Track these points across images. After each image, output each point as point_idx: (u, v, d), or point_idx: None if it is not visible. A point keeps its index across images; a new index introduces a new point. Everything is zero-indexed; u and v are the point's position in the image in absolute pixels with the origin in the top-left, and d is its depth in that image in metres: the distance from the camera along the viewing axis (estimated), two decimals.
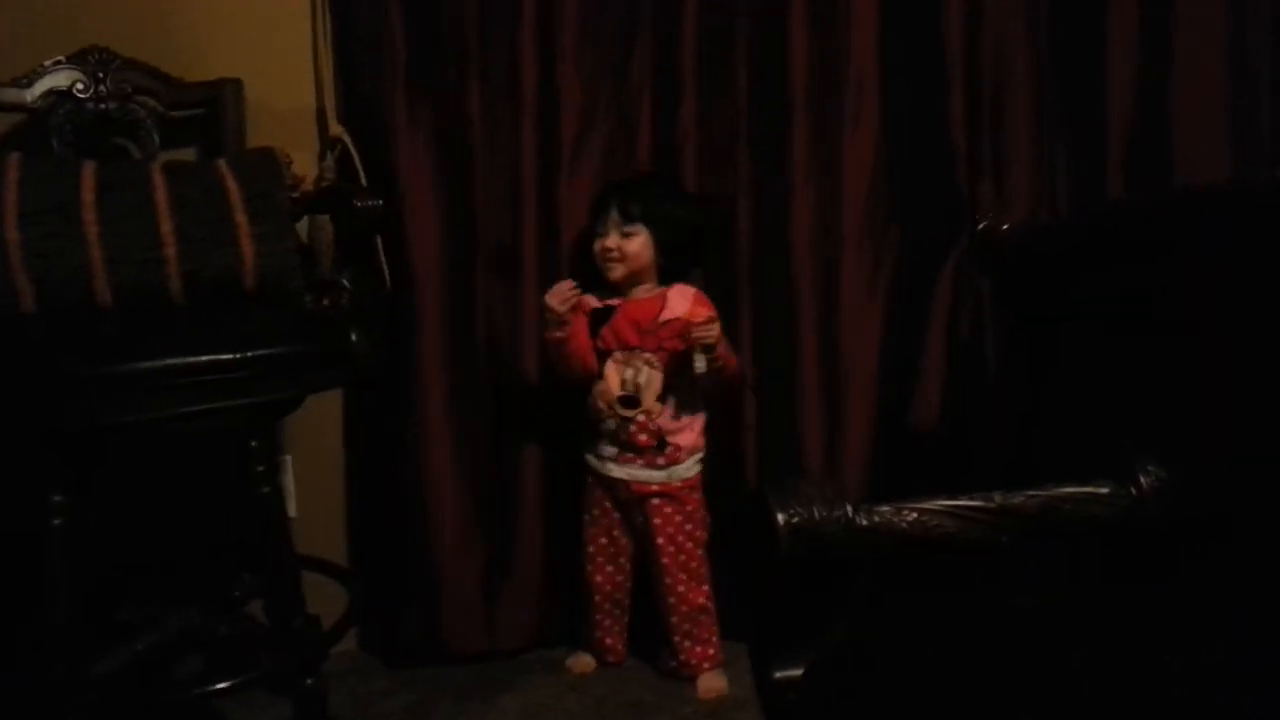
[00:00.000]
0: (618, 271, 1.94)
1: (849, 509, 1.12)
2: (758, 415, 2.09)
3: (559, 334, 1.91)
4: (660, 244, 1.94)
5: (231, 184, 1.70)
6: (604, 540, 2.01)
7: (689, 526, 1.97)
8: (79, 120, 1.81)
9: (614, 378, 1.94)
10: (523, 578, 2.09)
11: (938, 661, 1.09)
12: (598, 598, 2.02)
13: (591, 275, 1.97)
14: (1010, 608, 1.14)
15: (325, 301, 1.59)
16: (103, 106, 1.82)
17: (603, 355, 1.95)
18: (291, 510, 2.07)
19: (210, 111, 1.91)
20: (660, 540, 1.96)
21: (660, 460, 1.94)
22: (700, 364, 1.86)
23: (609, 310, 1.96)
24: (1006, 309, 1.74)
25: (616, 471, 1.96)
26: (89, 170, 1.63)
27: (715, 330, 1.86)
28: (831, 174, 2.06)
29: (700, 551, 1.98)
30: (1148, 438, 1.26)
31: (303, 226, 1.84)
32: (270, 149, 1.80)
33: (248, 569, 1.79)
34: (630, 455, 1.95)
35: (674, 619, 1.97)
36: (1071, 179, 2.13)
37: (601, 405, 1.94)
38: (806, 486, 1.13)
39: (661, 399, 1.93)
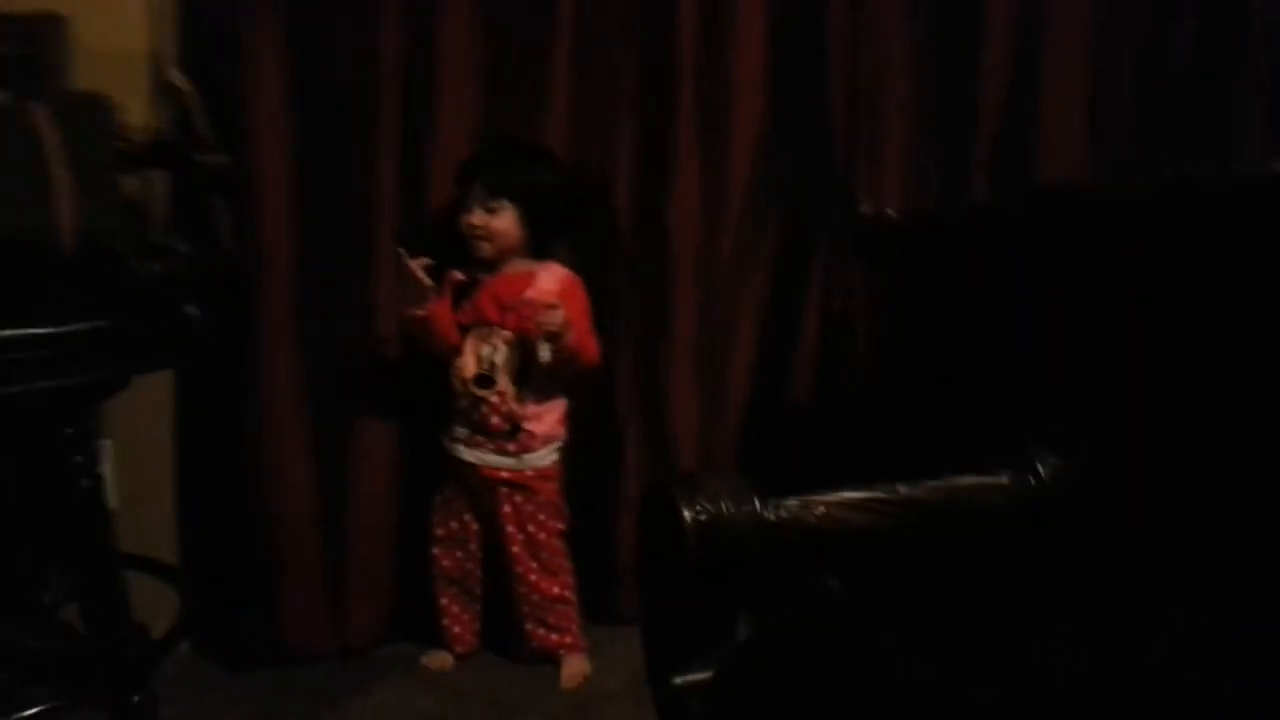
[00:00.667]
0: (485, 250, 1.85)
1: (757, 503, 1.05)
2: (635, 399, 2.01)
3: (419, 311, 1.81)
4: (528, 219, 1.84)
5: (48, 131, 1.47)
6: (454, 524, 1.92)
7: (541, 516, 1.90)
8: None
9: (471, 355, 1.84)
10: (373, 570, 1.96)
11: (853, 662, 1.03)
12: (443, 581, 1.92)
13: (460, 247, 1.85)
14: (926, 603, 1.09)
15: (156, 268, 1.40)
16: None
17: (464, 331, 1.86)
18: (113, 501, 1.86)
19: (26, 51, 1.66)
20: (510, 529, 1.89)
21: (511, 446, 1.86)
22: (544, 352, 1.79)
23: (475, 283, 1.87)
24: (887, 298, 1.72)
25: (467, 455, 1.87)
26: None
27: (558, 318, 1.77)
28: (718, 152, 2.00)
29: (555, 542, 1.91)
30: (1042, 430, 1.25)
31: (135, 188, 1.63)
32: (96, 94, 1.57)
33: (58, 569, 1.57)
34: (481, 439, 1.86)
35: (525, 608, 1.90)
36: (942, 169, 2.13)
37: (455, 380, 1.85)
38: (712, 479, 1.06)
39: (520, 382, 1.84)
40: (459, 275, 1.84)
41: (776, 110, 2.03)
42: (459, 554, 1.91)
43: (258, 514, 1.86)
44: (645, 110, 1.96)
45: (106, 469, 1.86)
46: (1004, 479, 1.16)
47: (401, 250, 1.79)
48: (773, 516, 1.06)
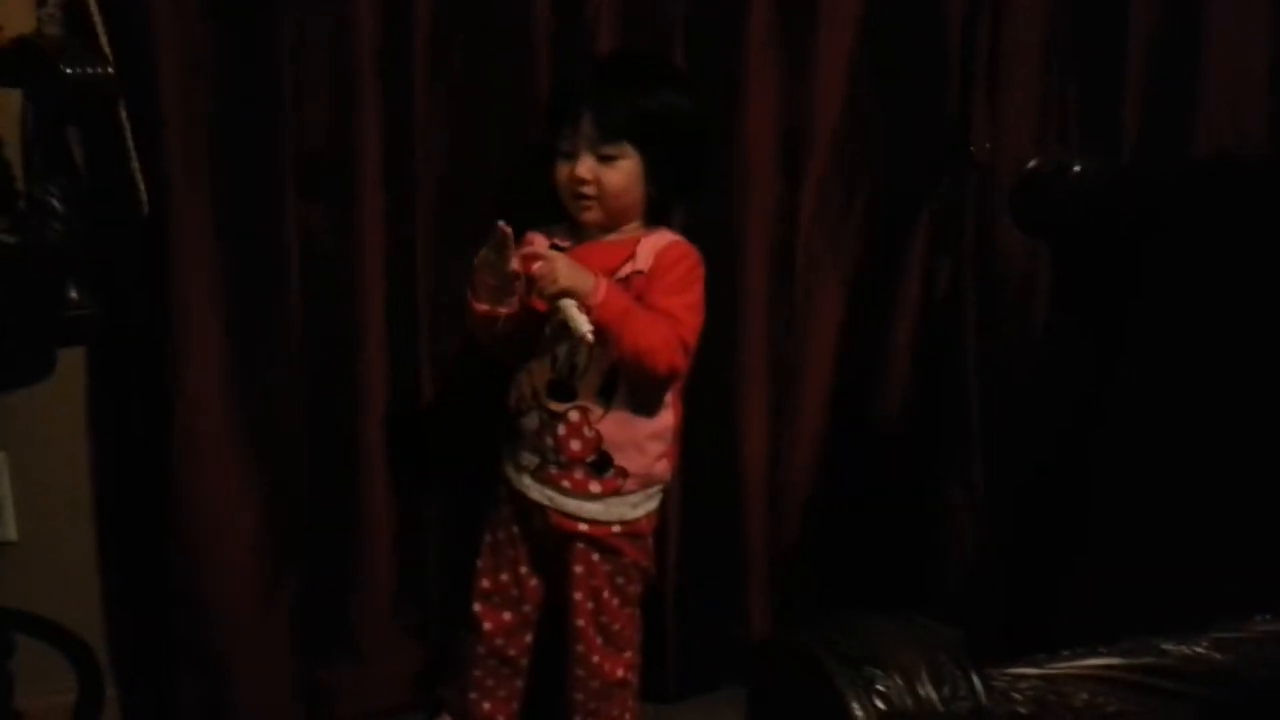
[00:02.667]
0: (593, 213, 1.35)
1: (976, 682, 0.60)
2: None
3: (500, 308, 1.30)
4: (653, 169, 1.34)
5: None
6: (505, 576, 1.43)
7: (620, 580, 1.41)
8: None
9: (544, 356, 1.36)
10: (362, 625, 1.55)
11: None
12: (482, 649, 1.44)
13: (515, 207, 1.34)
14: None
15: (11, 239, 0.95)
16: None
17: (535, 321, 1.35)
18: (9, 534, 1.45)
19: None
20: (578, 595, 1.40)
21: (595, 485, 1.37)
22: (582, 324, 1.23)
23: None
24: (1061, 278, 1.25)
25: (534, 492, 1.39)
26: None
27: (548, 272, 1.25)
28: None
29: (629, 610, 1.43)
30: None
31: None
32: None
33: None
34: (555, 471, 1.37)
35: (579, 696, 1.42)
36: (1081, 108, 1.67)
37: (524, 391, 1.38)
38: (896, 636, 0.61)
39: (607, 395, 1.35)
40: (543, 241, 1.34)
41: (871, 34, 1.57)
42: (507, 616, 1.45)
43: (188, 554, 1.42)
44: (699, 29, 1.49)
45: (2, 488, 1.45)
46: None
47: (502, 224, 1.25)
48: (999, 703, 0.61)
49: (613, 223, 1.37)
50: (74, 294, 1.04)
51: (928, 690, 0.58)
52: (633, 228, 1.38)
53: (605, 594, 1.40)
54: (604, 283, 1.29)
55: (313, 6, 1.35)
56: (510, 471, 1.41)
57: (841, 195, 1.62)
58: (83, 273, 1.05)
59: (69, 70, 0.95)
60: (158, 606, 1.47)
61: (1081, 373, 1.15)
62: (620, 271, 1.34)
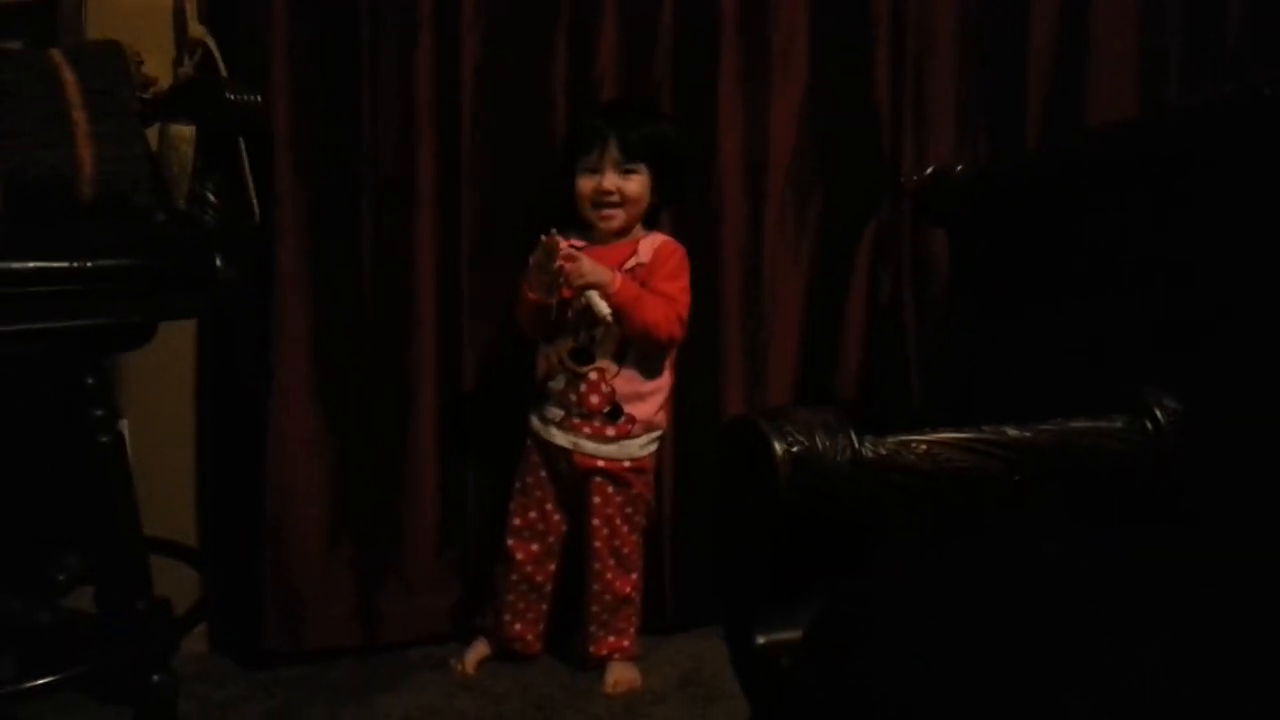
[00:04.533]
0: (616, 220, 1.71)
1: (854, 437, 0.95)
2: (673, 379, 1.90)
3: (549, 298, 1.65)
4: (657, 182, 1.72)
5: (68, 75, 1.40)
6: (533, 514, 1.76)
7: (629, 509, 1.75)
8: None
9: (567, 331, 1.71)
10: (411, 562, 1.84)
11: (963, 618, 0.92)
12: (515, 576, 1.76)
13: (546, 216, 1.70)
14: (1035, 557, 0.99)
15: (186, 213, 1.31)
16: None
17: (562, 305, 1.70)
18: None
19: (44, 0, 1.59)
20: (596, 522, 1.73)
21: (610, 430, 1.71)
22: (601, 305, 1.62)
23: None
24: (957, 259, 1.62)
25: (560, 438, 1.72)
26: None
27: (576, 268, 1.63)
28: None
29: (635, 537, 1.77)
30: (1150, 373, 1.15)
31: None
32: (116, 41, 1.50)
33: (72, 547, 1.47)
34: (578, 420, 1.71)
35: (594, 608, 1.75)
36: (990, 136, 2.04)
37: (552, 360, 1.72)
38: (802, 411, 0.96)
39: (619, 359, 1.71)
40: (569, 244, 1.68)
41: (819, 76, 1.94)
42: (535, 547, 1.76)
43: (275, 497, 1.73)
44: (684, 74, 1.87)
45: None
46: (1118, 423, 1.06)
47: (554, 231, 1.62)
48: (870, 453, 0.95)
49: (627, 226, 1.73)
50: (220, 263, 1.40)
51: (822, 439, 0.93)
52: (635, 231, 1.75)
53: (617, 520, 1.74)
54: (618, 275, 1.67)
55: (386, 66, 1.73)
56: (538, 425, 1.75)
57: (797, 213, 1.95)
58: (228, 249, 1.41)
59: (233, 98, 1.34)
60: (243, 544, 1.77)
61: (973, 324, 1.51)
62: (626, 264, 1.71)
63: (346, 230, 1.73)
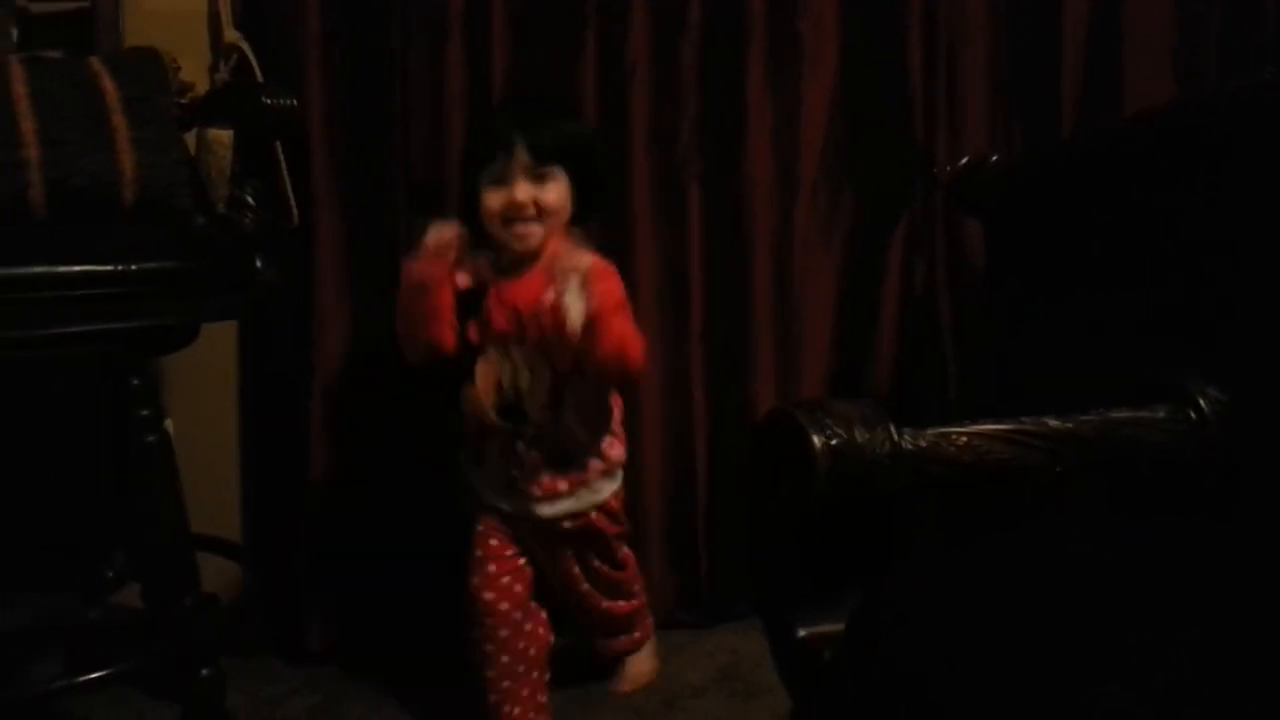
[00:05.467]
0: (534, 237, 1.44)
1: (893, 429, 0.94)
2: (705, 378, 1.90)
3: (428, 277, 1.43)
4: (575, 188, 1.46)
5: (107, 83, 1.43)
6: (505, 580, 1.53)
7: (607, 552, 1.61)
8: None
9: (486, 381, 1.45)
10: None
11: (1003, 610, 0.92)
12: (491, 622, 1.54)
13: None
14: (1076, 549, 0.98)
15: (225, 217, 1.33)
16: None
17: (471, 355, 1.48)
18: None
19: (81, 8, 1.62)
20: (575, 571, 1.60)
21: (562, 484, 1.50)
22: (576, 309, 1.36)
23: (476, 295, 1.47)
24: (993, 250, 1.61)
25: (510, 506, 1.51)
26: None
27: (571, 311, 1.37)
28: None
29: (622, 569, 1.64)
30: (1186, 367, 1.14)
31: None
32: (153, 49, 1.53)
33: (120, 544, 1.49)
34: (526, 482, 1.49)
35: (596, 631, 1.70)
36: (1025, 125, 2.02)
37: (478, 417, 1.49)
38: (840, 404, 0.95)
39: (555, 405, 1.48)
40: (463, 278, 1.47)
41: (850, 66, 1.92)
42: (505, 606, 1.53)
43: (317, 500, 1.76)
44: (709, 72, 1.85)
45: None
46: (1160, 413, 1.05)
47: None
48: (910, 445, 0.95)
49: (547, 243, 1.45)
50: (259, 264, 1.42)
51: (861, 432, 0.93)
52: (549, 254, 1.45)
53: (596, 563, 1.59)
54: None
55: (417, 67, 1.74)
56: (485, 492, 1.53)
57: (829, 204, 1.93)
58: (267, 250, 1.43)
59: (269, 102, 1.35)
60: (287, 543, 1.79)
61: (1010, 315, 1.50)
62: (546, 299, 1.42)
63: (382, 230, 1.74)
